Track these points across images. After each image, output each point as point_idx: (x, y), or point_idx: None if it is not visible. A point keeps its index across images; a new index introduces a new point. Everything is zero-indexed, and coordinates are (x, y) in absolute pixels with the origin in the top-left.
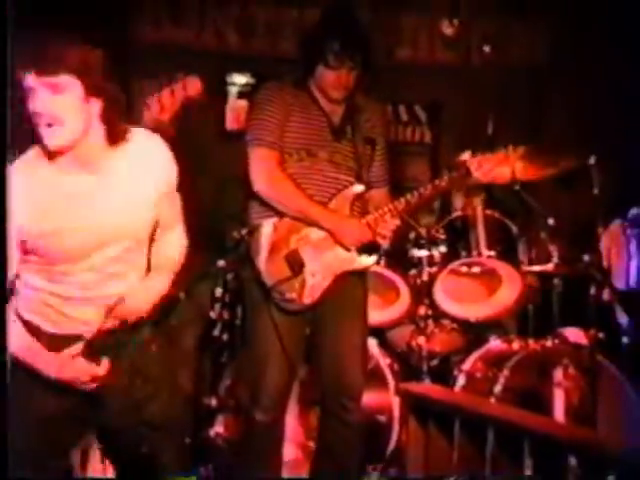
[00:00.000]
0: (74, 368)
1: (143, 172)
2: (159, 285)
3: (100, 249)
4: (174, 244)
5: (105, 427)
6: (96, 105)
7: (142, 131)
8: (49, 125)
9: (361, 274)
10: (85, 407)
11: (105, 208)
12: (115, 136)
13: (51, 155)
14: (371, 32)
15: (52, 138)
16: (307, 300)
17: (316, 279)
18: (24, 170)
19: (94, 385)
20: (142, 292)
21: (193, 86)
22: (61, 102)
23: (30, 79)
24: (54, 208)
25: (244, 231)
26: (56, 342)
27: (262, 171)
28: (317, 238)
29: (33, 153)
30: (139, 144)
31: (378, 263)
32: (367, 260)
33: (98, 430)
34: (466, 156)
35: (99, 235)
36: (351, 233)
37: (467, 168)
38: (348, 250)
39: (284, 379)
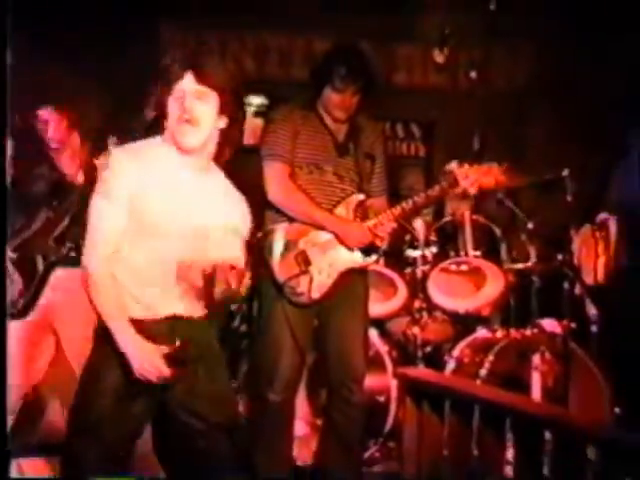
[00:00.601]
0: (152, 366)
1: (231, 199)
2: None
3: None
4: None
5: (164, 410)
6: (222, 121)
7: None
8: (187, 121)
9: (362, 272)
10: (150, 386)
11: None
12: (221, 155)
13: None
14: (372, 60)
15: (186, 135)
16: (315, 295)
17: (322, 276)
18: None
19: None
20: None
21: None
22: (203, 108)
23: (185, 83)
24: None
25: (259, 234)
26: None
27: (275, 182)
28: (323, 240)
29: (157, 142)
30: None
31: (378, 262)
32: (367, 259)
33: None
34: (453, 166)
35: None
36: (353, 236)
37: (455, 179)
38: (351, 250)
39: (295, 364)
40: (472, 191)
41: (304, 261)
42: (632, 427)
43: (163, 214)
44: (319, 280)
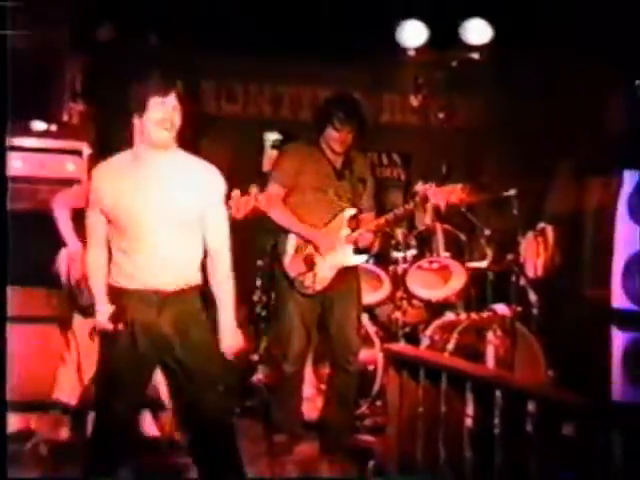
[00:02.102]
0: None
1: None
2: None
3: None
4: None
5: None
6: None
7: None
8: (162, 124)
9: (355, 268)
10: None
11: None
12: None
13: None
14: (363, 106)
15: (163, 138)
16: (319, 287)
17: (324, 273)
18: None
19: None
20: None
21: (262, 200)
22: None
23: (168, 97)
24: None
25: (273, 241)
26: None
27: (268, 202)
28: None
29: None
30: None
31: (367, 261)
32: (357, 259)
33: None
34: (420, 186)
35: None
36: (325, 244)
37: (426, 196)
38: (345, 253)
39: (304, 343)
40: (441, 206)
41: (310, 262)
42: (561, 385)
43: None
44: (322, 276)
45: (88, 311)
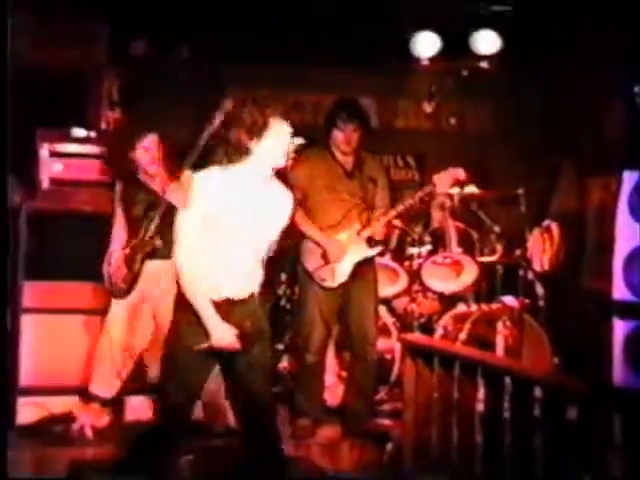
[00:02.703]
0: (226, 341)
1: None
2: None
3: None
4: None
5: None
6: None
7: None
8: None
9: (371, 262)
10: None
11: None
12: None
13: None
14: (364, 107)
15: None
16: (336, 281)
17: (342, 267)
18: None
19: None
20: None
21: None
22: None
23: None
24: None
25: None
26: None
27: None
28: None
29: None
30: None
31: (383, 255)
32: (371, 251)
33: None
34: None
35: None
36: (334, 251)
37: (434, 184)
38: (361, 246)
39: (324, 333)
40: (445, 191)
41: (327, 257)
42: (566, 372)
43: (235, 222)
44: (339, 270)
45: (121, 292)
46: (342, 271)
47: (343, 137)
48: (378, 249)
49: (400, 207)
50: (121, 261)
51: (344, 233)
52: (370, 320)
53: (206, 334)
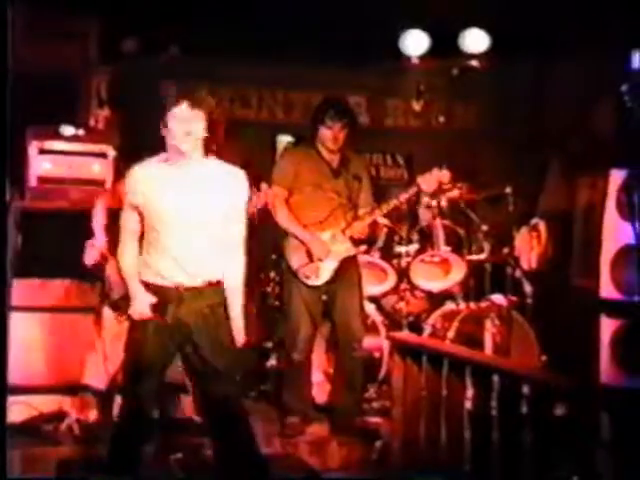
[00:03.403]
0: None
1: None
2: None
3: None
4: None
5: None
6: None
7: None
8: (187, 134)
9: (355, 259)
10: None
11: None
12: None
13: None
14: (350, 106)
15: (186, 144)
16: (321, 278)
17: (326, 265)
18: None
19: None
20: None
21: (268, 197)
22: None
23: (185, 109)
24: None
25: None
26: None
27: (275, 205)
28: (325, 239)
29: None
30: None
31: (369, 252)
32: (355, 249)
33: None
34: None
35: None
36: (317, 249)
37: (418, 185)
38: (345, 244)
39: (310, 331)
40: (430, 191)
41: (312, 255)
42: (553, 369)
43: (164, 208)
44: (323, 267)
45: (117, 305)
46: (326, 269)
47: (330, 135)
48: (362, 248)
49: (384, 207)
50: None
51: (328, 231)
52: (355, 317)
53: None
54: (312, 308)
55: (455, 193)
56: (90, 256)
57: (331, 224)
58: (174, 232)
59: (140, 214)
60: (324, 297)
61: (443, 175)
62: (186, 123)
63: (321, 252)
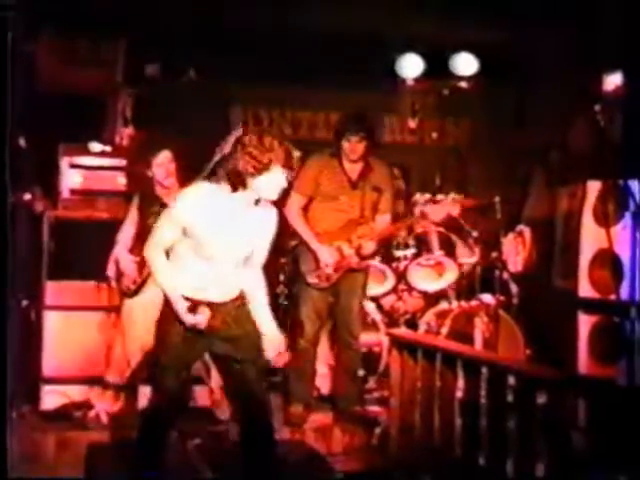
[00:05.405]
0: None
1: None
2: None
3: None
4: None
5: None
6: None
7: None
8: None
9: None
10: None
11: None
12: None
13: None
14: (369, 120)
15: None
16: (326, 283)
17: (332, 271)
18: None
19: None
20: None
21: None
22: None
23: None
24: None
25: (294, 242)
26: None
27: (289, 209)
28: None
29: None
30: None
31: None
32: (361, 264)
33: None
34: (418, 196)
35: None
36: (323, 257)
37: (425, 213)
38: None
39: (317, 326)
40: (438, 220)
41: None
42: (537, 362)
43: (212, 239)
44: (329, 274)
45: (129, 293)
46: (332, 275)
47: (349, 147)
48: (366, 263)
49: (393, 228)
50: (132, 267)
51: (338, 242)
52: (354, 318)
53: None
54: (319, 307)
55: (456, 210)
56: (111, 269)
57: (340, 236)
58: (210, 258)
59: (185, 232)
60: (330, 298)
61: (453, 209)
62: (280, 183)
63: (327, 260)
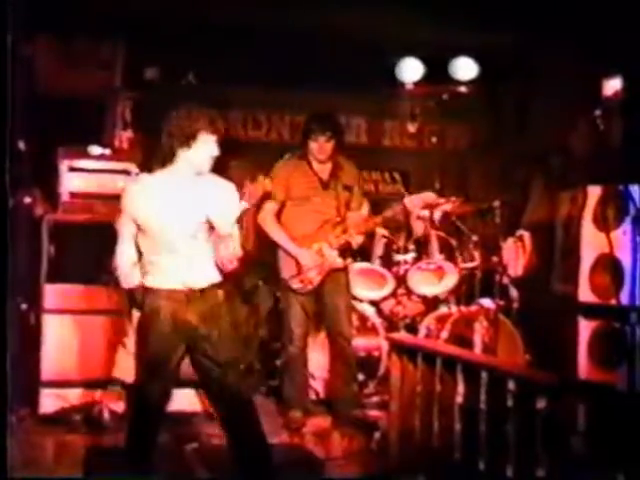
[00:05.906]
0: None
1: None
2: None
3: None
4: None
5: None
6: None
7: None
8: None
9: (344, 268)
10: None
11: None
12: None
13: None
14: (335, 118)
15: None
16: (309, 287)
17: (313, 275)
18: None
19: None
20: None
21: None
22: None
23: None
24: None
25: None
26: None
27: (263, 216)
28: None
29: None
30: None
31: (355, 260)
32: (344, 262)
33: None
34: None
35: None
36: (304, 260)
37: (404, 204)
38: (333, 257)
39: (304, 330)
40: (417, 209)
41: (301, 265)
42: (536, 367)
43: (156, 219)
44: (311, 277)
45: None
46: (315, 278)
47: (317, 147)
48: (348, 261)
49: (378, 219)
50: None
51: (316, 244)
52: (342, 317)
53: (171, 321)
54: (306, 310)
55: (448, 206)
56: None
57: (318, 237)
58: (175, 242)
59: (139, 225)
60: (316, 301)
61: (428, 196)
62: (210, 150)
63: (309, 263)
